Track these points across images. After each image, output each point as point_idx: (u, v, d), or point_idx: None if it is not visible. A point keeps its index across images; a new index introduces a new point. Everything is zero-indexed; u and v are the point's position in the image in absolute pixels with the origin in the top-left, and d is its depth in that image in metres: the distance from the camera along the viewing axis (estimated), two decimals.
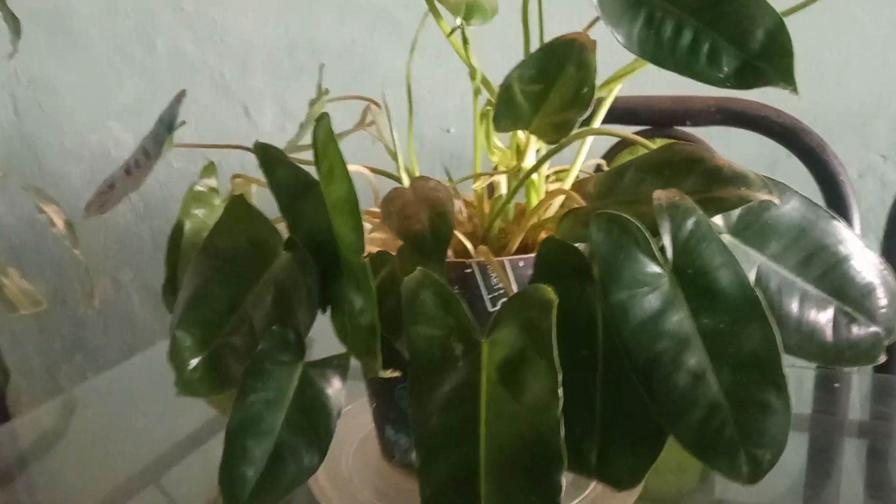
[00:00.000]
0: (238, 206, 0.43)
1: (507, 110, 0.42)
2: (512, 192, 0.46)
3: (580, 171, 0.50)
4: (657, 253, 0.32)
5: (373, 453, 0.53)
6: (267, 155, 0.41)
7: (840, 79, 0.93)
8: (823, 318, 0.35)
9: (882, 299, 0.36)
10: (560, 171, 0.52)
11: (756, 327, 0.30)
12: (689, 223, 0.31)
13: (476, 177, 0.49)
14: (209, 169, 0.54)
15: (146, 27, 1.26)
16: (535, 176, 0.48)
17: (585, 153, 0.50)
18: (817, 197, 0.72)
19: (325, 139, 0.38)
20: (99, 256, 1.39)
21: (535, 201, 0.47)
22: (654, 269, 0.32)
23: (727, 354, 0.31)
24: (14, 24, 1.04)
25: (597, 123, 0.49)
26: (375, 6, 1.13)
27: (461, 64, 0.49)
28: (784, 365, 0.30)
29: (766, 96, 0.74)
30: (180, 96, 0.51)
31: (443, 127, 1.12)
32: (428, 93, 1.10)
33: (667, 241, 0.32)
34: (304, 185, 0.40)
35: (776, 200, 0.31)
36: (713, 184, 0.33)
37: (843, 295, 0.35)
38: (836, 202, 0.69)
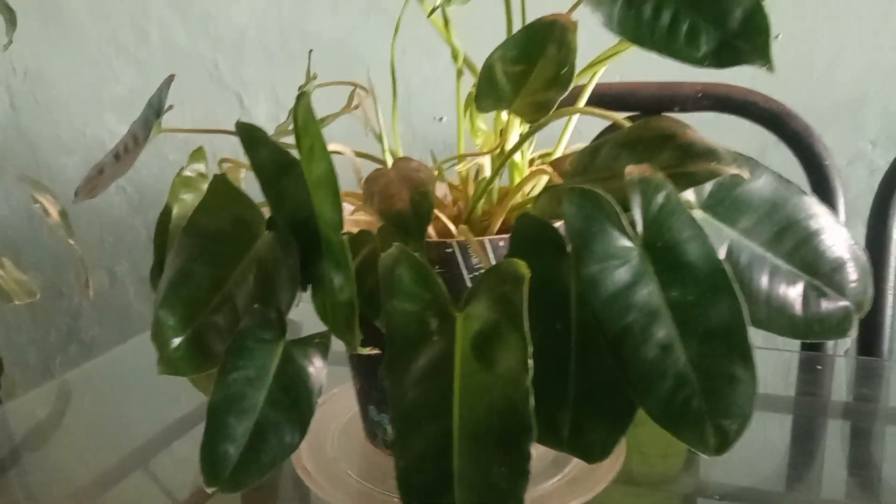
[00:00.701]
0: (221, 185, 0.43)
1: (488, 90, 0.42)
2: (494, 173, 0.47)
3: (565, 156, 0.50)
4: (627, 227, 0.32)
5: (357, 434, 0.53)
6: (249, 135, 0.41)
7: (830, 66, 0.94)
8: (794, 292, 0.35)
9: (852, 274, 0.36)
10: (545, 155, 0.52)
11: (723, 299, 0.31)
12: (660, 197, 0.32)
13: (460, 158, 0.49)
14: (198, 154, 0.54)
15: (140, 18, 1.26)
16: (518, 158, 0.48)
17: (569, 135, 0.51)
18: (804, 183, 0.72)
19: (305, 117, 0.39)
20: (94, 248, 1.40)
21: (517, 182, 0.48)
22: (625, 242, 0.32)
23: (695, 326, 0.31)
24: (9, 14, 1.04)
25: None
26: None
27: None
28: (750, 336, 0.31)
29: (756, 83, 0.74)
30: (169, 80, 0.52)
31: (435, 116, 1.13)
32: (420, 83, 1.10)
33: (637, 215, 0.32)
34: (285, 164, 0.41)
35: (745, 175, 0.31)
36: (685, 159, 0.33)
37: (814, 269, 0.36)
38: (822, 186, 0.69)
